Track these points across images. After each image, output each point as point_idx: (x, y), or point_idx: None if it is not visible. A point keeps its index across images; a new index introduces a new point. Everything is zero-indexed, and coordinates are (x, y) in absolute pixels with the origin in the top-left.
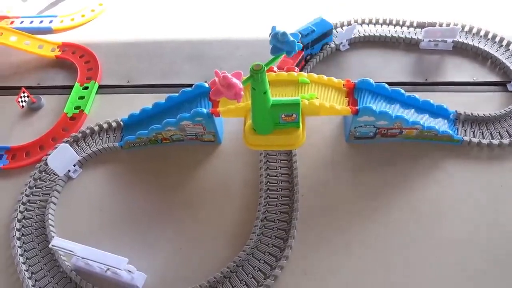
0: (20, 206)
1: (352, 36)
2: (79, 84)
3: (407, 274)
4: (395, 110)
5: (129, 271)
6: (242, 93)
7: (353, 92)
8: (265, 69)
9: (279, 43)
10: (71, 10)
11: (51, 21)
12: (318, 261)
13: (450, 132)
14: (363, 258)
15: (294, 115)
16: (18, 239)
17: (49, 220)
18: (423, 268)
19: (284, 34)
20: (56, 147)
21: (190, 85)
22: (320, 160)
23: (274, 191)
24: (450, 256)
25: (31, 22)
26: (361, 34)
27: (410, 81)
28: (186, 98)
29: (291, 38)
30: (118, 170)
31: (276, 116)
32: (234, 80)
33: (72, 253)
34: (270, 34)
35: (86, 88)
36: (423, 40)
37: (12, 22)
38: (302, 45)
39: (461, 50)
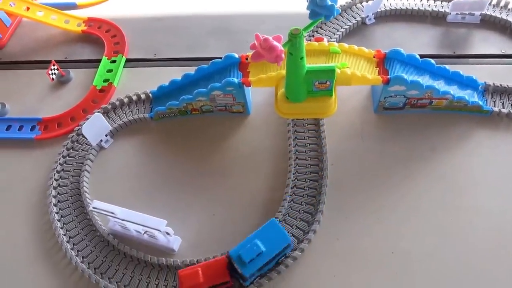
0: (55, 174)
1: (378, 10)
2: (106, 57)
3: (435, 239)
4: (425, 80)
5: (167, 233)
6: (283, 55)
7: (384, 62)
8: (304, 33)
9: (317, 7)
10: None
11: None
12: (349, 226)
13: (480, 102)
14: (393, 224)
15: (328, 83)
16: (55, 205)
17: (84, 188)
18: (452, 235)
19: None
20: (88, 117)
21: (215, 58)
22: (349, 130)
23: (303, 160)
24: (479, 224)
25: None
26: (387, 8)
27: (438, 53)
28: (216, 69)
29: (330, 2)
30: (148, 141)
31: (310, 84)
32: (275, 43)
33: (113, 215)
34: None
35: (114, 61)
36: (450, 13)
37: None
38: (340, 10)
39: (489, 23)
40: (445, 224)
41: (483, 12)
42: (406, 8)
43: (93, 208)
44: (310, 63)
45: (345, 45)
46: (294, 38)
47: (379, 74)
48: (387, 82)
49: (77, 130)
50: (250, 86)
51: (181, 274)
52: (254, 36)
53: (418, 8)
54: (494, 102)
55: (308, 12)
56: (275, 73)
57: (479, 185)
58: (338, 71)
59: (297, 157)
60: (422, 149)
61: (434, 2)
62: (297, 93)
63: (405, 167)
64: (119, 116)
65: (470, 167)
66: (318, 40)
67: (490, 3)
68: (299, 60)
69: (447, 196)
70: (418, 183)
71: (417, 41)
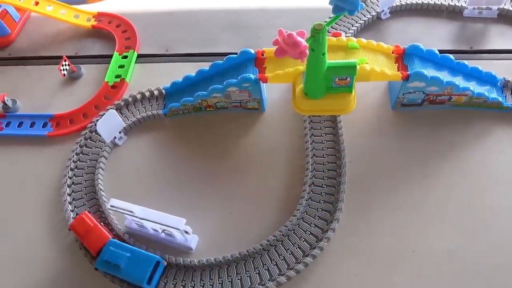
0: (68, 172)
1: (393, 4)
2: (118, 53)
3: (456, 237)
4: (444, 76)
5: (185, 231)
6: (308, 51)
7: (402, 58)
8: (326, 28)
9: (340, 1)
10: None
11: None
12: (369, 224)
13: (500, 99)
14: (413, 222)
15: (348, 79)
16: (70, 203)
17: (99, 185)
18: (473, 233)
19: None
20: (102, 114)
21: (229, 53)
22: (366, 127)
23: (320, 157)
24: (501, 222)
25: None
26: (403, 2)
27: (454, 49)
28: (231, 64)
29: None
30: (163, 137)
31: (330, 80)
32: (299, 38)
33: (131, 213)
34: None
35: (125, 57)
36: (467, 7)
37: None
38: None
39: (506, 18)
40: (466, 223)
41: (501, 7)
42: (422, 2)
43: (111, 206)
44: (328, 59)
45: (364, 40)
46: (317, 33)
47: (398, 70)
48: (406, 78)
49: (90, 127)
50: (267, 82)
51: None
52: (278, 31)
53: (434, 3)
54: None
55: (331, 6)
56: (293, 69)
57: (500, 183)
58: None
59: (314, 154)
60: (441, 146)
61: None
62: (316, 90)
63: (424, 164)
64: (132, 112)
65: (491, 164)
66: (336, 35)
67: None
68: (321, 56)
69: (468, 194)
70: (438, 181)
71: (433, 36)
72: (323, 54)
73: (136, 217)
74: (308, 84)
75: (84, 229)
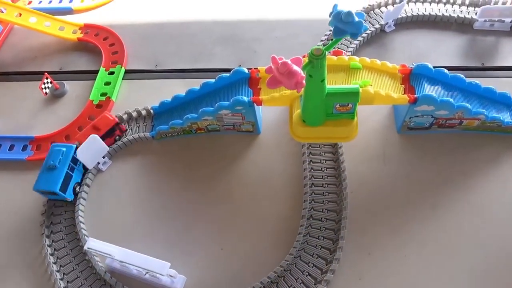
0: (48, 201)
1: (399, 16)
2: (104, 68)
3: (469, 280)
4: (454, 97)
5: (170, 275)
6: (304, 82)
7: (409, 78)
8: (326, 54)
9: (341, 24)
10: None
11: (71, 1)
12: (373, 263)
13: None
14: (421, 262)
15: (350, 105)
16: (48, 236)
17: (79, 217)
18: (488, 276)
19: (349, 14)
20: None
21: (222, 70)
22: (370, 153)
23: (320, 187)
24: None
25: (50, 1)
26: (408, 14)
27: (464, 65)
28: (223, 85)
29: (357, 19)
30: (150, 162)
31: (330, 106)
32: (295, 67)
33: (110, 256)
34: (331, 13)
35: (112, 73)
36: (477, 20)
37: (30, 2)
38: (367, 26)
39: None
40: (480, 263)
41: None
42: (429, 14)
43: (88, 248)
44: (328, 80)
45: (367, 59)
46: (316, 59)
47: (405, 92)
48: (414, 102)
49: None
50: (261, 105)
51: None
52: (271, 58)
53: (443, 15)
54: None
55: (329, 18)
56: (290, 91)
57: None
58: (360, 88)
59: (313, 184)
60: (452, 174)
61: (460, 8)
62: (315, 117)
63: (434, 195)
64: None
65: (508, 196)
66: (337, 54)
67: None
68: (319, 83)
69: (482, 230)
70: (449, 214)
71: (442, 51)
72: (322, 80)
73: (116, 259)
74: (306, 111)
75: None
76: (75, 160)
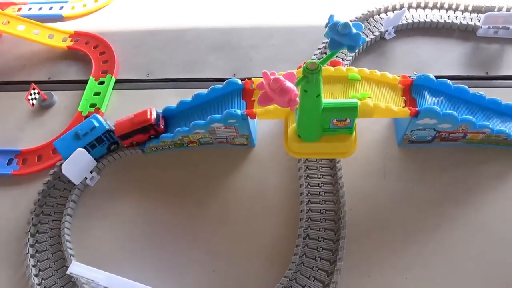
0: (33, 218)
1: (399, 23)
2: (94, 78)
3: None
4: (458, 110)
5: None
6: (298, 99)
7: (410, 90)
8: (321, 68)
9: (338, 36)
10: None
11: (61, 8)
12: (373, 286)
13: None
14: (425, 284)
15: (348, 120)
16: (32, 256)
17: (66, 235)
18: None
19: (345, 25)
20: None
21: (216, 79)
22: (369, 167)
23: (317, 204)
24: None
25: (40, 8)
26: (409, 21)
27: (468, 74)
28: (216, 96)
29: (354, 30)
30: (140, 177)
31: (326, 121)
32: (288, 83)
33: (94, 282)
34: (327, 24)
35: (102, 83)
36: (481, 26)
37: (19, 9)
38: (365, 38)
39: None
40: (486, 284)
41: None
42: (431, 21)
43: (71, 273)
44: (325, 92)
45: (366, 70)
46: (310, 74)
47: (405, 105)
48: (415, 115)
49: (60, 165)
50: (255, 118)
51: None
52: (262, 74)
53: (445, 21)
54: None
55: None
56: None
57: None
58: (358, 102)
59: (309, 201)
60: (456, 190)
61: (462, 14)
62: (311, 132)
63: (437, 212)
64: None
65: None
66: (335, 64)
67: None
68: (315, 98)
69: (488, 250)
70: (453, 233)
71: (444, 60)
72: (318, 95)
73: (101, 286)
74: (301, 126)
75: None
76: (100, 139)
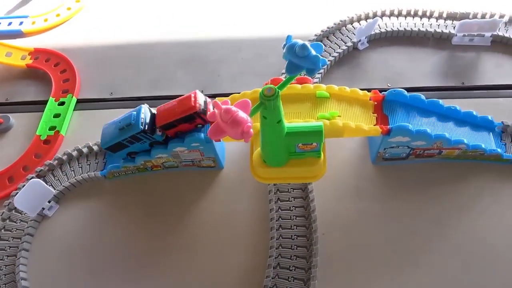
0: None
1: (372, 32)
2: (53, 99)
3: None
4: (432, 125)
5: None
6: (252, 131)
7: (382, 106)
8: (279, 93)
9: (296, 58)
10: (44, 9)
11: (21, 23)
12: None
13: (499, 150)
14: None
15: (315, 144)
16: None
17: (21, 273)
18: None
19: (303, 47)
20: (21, 186)
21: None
22: (342, 188)
23: (288, 229)
24: None
25: None
26: (382, 30)
27: (443, 85)
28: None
29: (313, 52)
30: (102, 204)
31: (292, 145)
32: (241, 114)
33: None
34: (284, 45)
35: (62, 103)
36: (456, 34)
37: None
38: (326, 60)
39: (501, 46)
40: None
41: (495, 33)
42: (405, 29)
43: None
44: (291, 112)
45: (335, 87)
46: (268, 100)
47: (377, 123)
48: (387, 133)
49: (15, 195)
50: (220, 141)
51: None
52: (213, 103)
53: (419, 30)
54: None
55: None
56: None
57: (505, 259)
58: (327, 122)
59: (280, 226)
60: (433, 209)
61: (437, 21)
62: (276, 158)
63: (413, 234)
64: (66, 174)
65: (493, 234)
66: (303, 81)
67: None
68: (275, 124)
69: (468, 274)
70: (430, 256)
71: (419, 70)
72: (279, 122)
73: None
74: (265, 152)
75: None
76: (135, 138)
